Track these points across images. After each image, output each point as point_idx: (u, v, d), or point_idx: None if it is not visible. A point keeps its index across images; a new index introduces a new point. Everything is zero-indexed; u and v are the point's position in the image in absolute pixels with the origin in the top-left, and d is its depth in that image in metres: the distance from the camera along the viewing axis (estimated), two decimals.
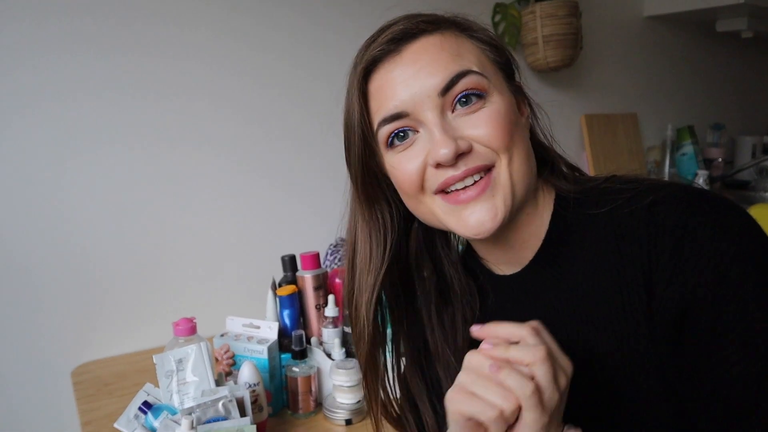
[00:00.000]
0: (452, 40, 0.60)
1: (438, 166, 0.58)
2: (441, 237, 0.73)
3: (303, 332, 1.05)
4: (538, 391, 0.49)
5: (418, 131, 0.60)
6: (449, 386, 0.55)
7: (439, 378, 0.72)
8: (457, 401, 0.53)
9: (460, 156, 0.57)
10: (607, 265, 0.58)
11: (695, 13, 2.11)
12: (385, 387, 0.74)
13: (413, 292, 0.72)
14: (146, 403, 0.89)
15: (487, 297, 0.71)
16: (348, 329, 1.10)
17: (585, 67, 1.99)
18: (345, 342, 1.10)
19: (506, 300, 0.69)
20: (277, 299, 1.10)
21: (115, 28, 1.25)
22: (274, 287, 1.13)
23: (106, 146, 1.26)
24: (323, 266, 1.32)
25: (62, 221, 1.23)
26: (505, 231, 0.62)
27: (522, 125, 0.63)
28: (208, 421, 0.83)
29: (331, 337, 1.09)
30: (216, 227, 1.40)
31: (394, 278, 0.69)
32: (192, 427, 0.78)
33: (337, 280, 1.15)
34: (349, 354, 1.09)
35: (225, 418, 0.84)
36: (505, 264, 0.68)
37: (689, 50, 2.43)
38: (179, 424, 0.80)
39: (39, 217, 1.21)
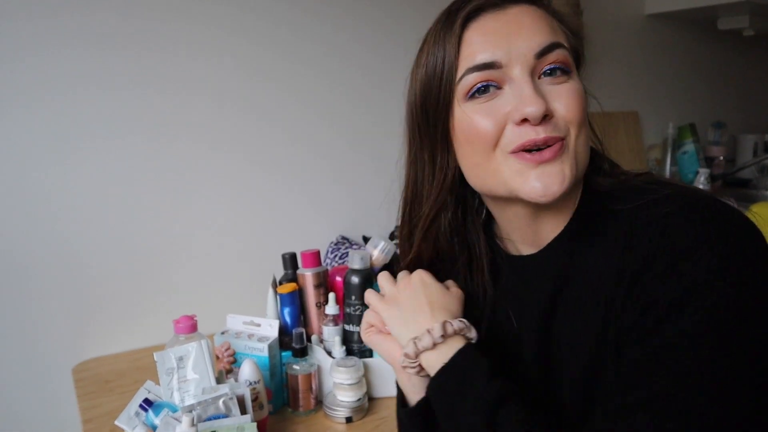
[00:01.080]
0: (548, 16, 0.63)
1: (522, 122, 0.59)
2: (472, 213, 0.75)
3: (303, 330, 1.05)
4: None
5: (502, 88, 0.61)
6: None
7: None
8: (361, 330, 0.76)
9: (543, 119, 0.59)
10: (611, 262, 0.59)
11: (697, 11, 2.11)
12: None
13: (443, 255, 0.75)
14: (147, 401, 0.89)
15: (500, 275, 0.73)
16: (349, 327, 1.10)
17: (586, 65, 1.99)
18: (345, 340, 1.10)
19: (518, 280, 0.71)
20: (278, 297, 1.10)
21: (116, 23, 1.24)
22: (274, 285, 1.13)
23: (107, 142, 1.26)
24: (324, 264, 1.32)
25: (63, 218, 1.23)
26: (552, 206, 0.63)
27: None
28: (209, 419, 0.83)
29: (331, 335, 1.09)
30: (217, 225, 1.40)
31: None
32: (192, 425, 0.78)
33: (338, 278, 1.15)
34: (349, 352, 1.09)
35: (226, 416, 0.84)
36: (525, 244, 0.70)
37: (690, 48, 2.42)
38: (180, 422, 0.80)
39: (40, 213, 1.21)
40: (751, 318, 0.51)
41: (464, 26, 0.63)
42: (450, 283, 0.73)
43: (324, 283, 1.14)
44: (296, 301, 1.11)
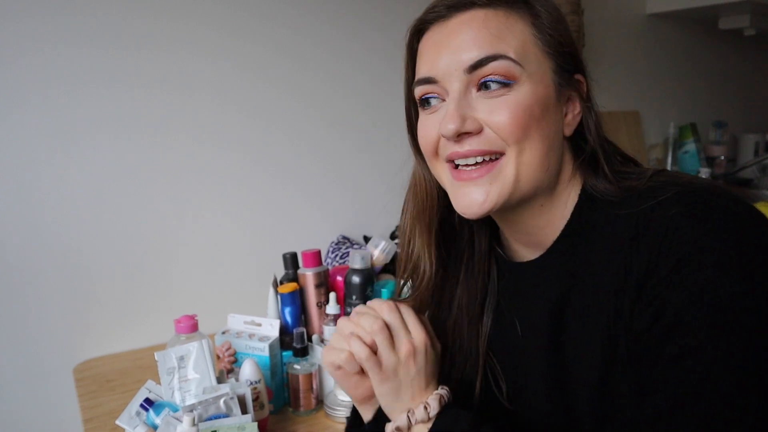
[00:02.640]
0: (500, 20, 0.59)
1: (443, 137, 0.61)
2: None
3: (304, 330, 1.05)
4: (373, 354, 0.64)
5: (444, 100, 0.61)
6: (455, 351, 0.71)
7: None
8: (324, 354, 0.68)
9: (465, 135, 0.59)
10: (616, 266, 0.57)
11: (698, 11, 2.10)
12: None
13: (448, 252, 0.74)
14: (148, 400, 0.89)
15: (501, 279, 0.73)
16: None
17: (587, 65, 1.99)
18: None
19: (522, 287, 0.70)
20: (279, 296, 1.10)
21: (117, 23, 1.24)
22: (275, 284, 1.13)
23: (108, 142, 1.26)
24: (325, 264, 1.32)
25: (63, 217, 1.23)
26: (517, 215, 0.64)
27: (551, 120, 0.61)
28: (210, 419, 0.83)
29: (332, 334, 1.09)
30: (218, 224, 1.40)
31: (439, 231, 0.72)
32: (193, 424, 0.78)
33: (339, 278, 1.15)
34: None
35: (226, 415, 0.84)
36: (526, 247, 0.69)
37: (692, 48, 2.42)
38: (181, 421, 0.80)
39: (40, 213, 1.21)
40: (764, 316, 0.49)
41: (418, 39, 0.65)
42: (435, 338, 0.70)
43: (325, 283, 1.14)
44: (297, 301, 1.11)
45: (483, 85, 0.59)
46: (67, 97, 1.22)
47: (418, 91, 0.63)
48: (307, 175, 1.51)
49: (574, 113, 0.64)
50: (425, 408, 0.64)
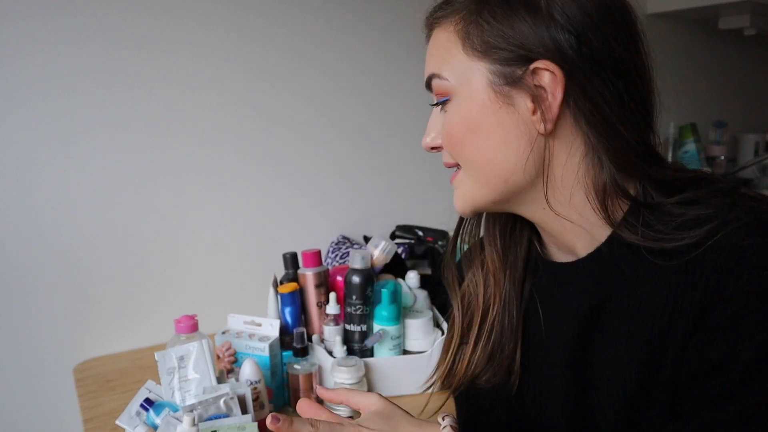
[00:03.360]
0: (443, 36, 0.60)
1: None
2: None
3: (304, 330, 1.05)
4: None
5: None
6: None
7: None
8: None
9: (437, 147, 0.64)
10: (665, 286, 0.52)
11: (698, 11, 2.10)
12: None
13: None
14: (148, 400, 0.89)
15: (534, 275, 0.70)
16: (350, 326, 1.10)
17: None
18: (346, 339, 1.10)
19: (554, 283, 0.66)
20: (279, 296, 1.10)
21: (117, 23, 1.24)
22: (275, 284, 1.13)
23: (109, 141, 1.26)
24: (325, 264, 1.32)
25: (63, 217, 1.23)
26: (530, 216, 0.64)
27: (496, 127, 0.56)
28: (210, 419, 0.83)
29: (332, 334, 1.09)
30: (218, 224, 1.40)
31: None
32: (193, 424, 0.78)
33: (339, 278, 1.15)
34: (350, 351, 1.09)
35: (226, 415, 0.84)
36: (559, 250, 0.66)
37: (692, 48, 2.42)
38: (181, 421, 0.80)
39: (40, 212, 1.21)
40: None
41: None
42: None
43: (325, 283, 1.13)
44: (297, 301, 1.11)
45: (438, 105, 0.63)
46: (67, 97, 1.22)
47: None
48: (308, 174, 1.51)
49: (544, 106, 0.55)
50: None
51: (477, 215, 0.71)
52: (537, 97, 0.55)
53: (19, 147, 1.19)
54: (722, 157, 2.35)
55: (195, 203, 1.37)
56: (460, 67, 0.58)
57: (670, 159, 2.25)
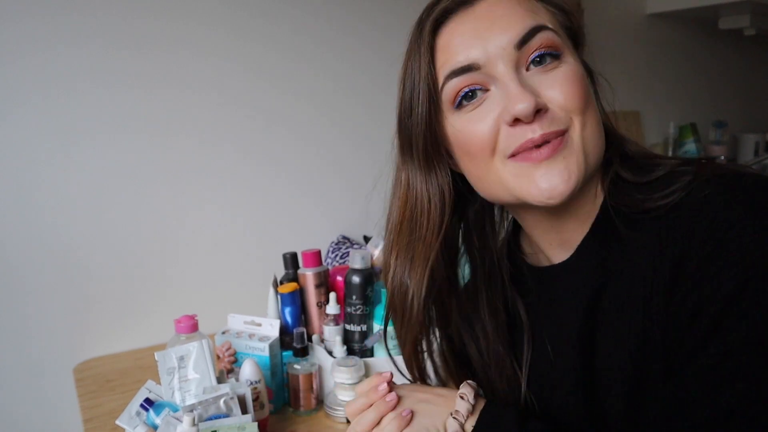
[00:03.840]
0: (526, 1, 0.58)
1: (515, 122, 0.55)
2: (490, 223, 0.71)
3: (304, 330, 1.05)
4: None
5: (488, 89, 0.57)
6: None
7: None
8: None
9: (537, 114, 0.54)
10: (649, 254, 0.54)
11: (698, 11, 2.10)
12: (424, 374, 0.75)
13: (455, 277, 0.71)
14: (148, 400, 0.89)
15: (529, 293, 0.69)
16: (350, 326, 1.10)
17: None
18: (346, 339, 1.10)
19: (549, 294, 0.66)
20: (279, 296, 1.10)
21: (117, 23, 1.24)
22: (275, 284, 1.13)
23: (108, 141, 1.26)
24: (325, 264, 1.32)
25: (63, 217, 1.23)
26: (567, 205, 0.59)
27: (592, 94, 0.59)
28: (210, 419, 0.83)
29: (332, 334, 1.09)
30: (218, 224, 1.40)
31: (442, 257, 0.66)
32: (193, 424, 0.78)
33: (339, 278, 1.15)
34: (350, 351, 1.09)
35: (226, 415, 0.84)
36: (554, 247, 0.65)
37: (692, 48, 2.42)
38: (181, 421, 0.80)
39: (40, 212, 1.21)
40: None
41: (435, 33, 0.59)
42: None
43: (325, 283, 1.13)
44: (297, 301, 1.11)
45: (533, 62, 0.56)
46: (67, 97, 1.22)
47: (455, 83, 0.57)
48: (308, 174, 1.51)
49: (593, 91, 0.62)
50: (461, 398, 0.63)
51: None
52: (591, 80, 0.62)
53: (19, 147, 1.19)
54: (722, 157, 2.35)
55: (195, 203, 1.37)
56: (562, 32, 0.59)
57: None
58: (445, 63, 0.58)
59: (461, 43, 0.57)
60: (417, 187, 0.64)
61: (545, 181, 0.54)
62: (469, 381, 0.65)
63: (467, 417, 0.62)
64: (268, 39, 1.42)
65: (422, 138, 0.62)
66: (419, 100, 0.60)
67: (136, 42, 1.27)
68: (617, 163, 0.60)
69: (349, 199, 1.58)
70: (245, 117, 1.41)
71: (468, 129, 0.58)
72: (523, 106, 0.53)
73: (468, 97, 0.57)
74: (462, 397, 0.63)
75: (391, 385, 0.68)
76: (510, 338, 0.70)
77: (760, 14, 2.13)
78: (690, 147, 2.30)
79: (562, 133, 0.55)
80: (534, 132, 0.54)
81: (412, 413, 0.64)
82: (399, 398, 0.66)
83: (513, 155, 0.56)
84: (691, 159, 0.59)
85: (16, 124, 1.18)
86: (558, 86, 0.55)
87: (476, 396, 0.64)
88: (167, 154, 1.33)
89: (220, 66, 1.37)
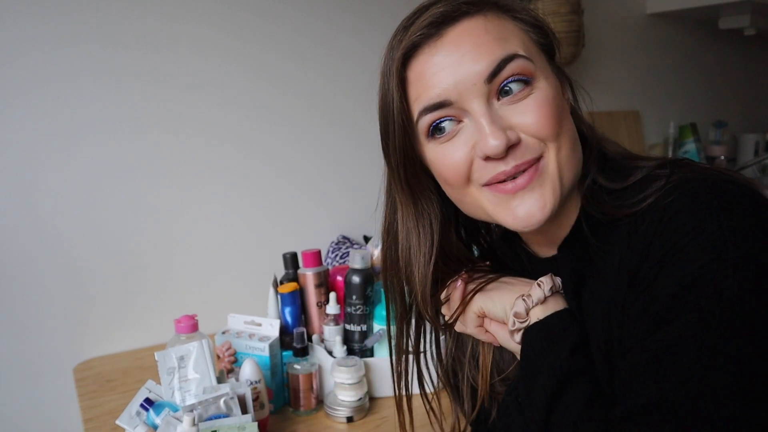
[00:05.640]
0: (495, 23, 0.57)
1: (487, 159, 0.56)
2: (483, 224, 0.73)
3: (304, 330, 1.05)
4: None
5: (462, 121, 0.58)
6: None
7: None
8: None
9: (510, 149, 0.55)
10: (616, 257, 0.56)
11: (698, 11, 2.10)
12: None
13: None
14: (148, 400, 0.89)
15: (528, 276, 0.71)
16: (350, 326, 1.10)
17: (587, 65, 1.99)
18: (346, 339, 1.10)
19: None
20: (279, 296, 1.10)
21: (117, 22, 1.24)
22: (275, 284, 1.13)
23: (108, 141, 1.26)
24: (325, 264, 1.32)
25: (63, 216, 1.23)
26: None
27: (567, 111, 0.60)
28: (210, 418, 0.83)
29: (332, 334, 1.09)
30: (218, 224, 1.40)
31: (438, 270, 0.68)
32: (193, 424, 0.78)
33: (339, 278, 1.15)
34: (350, 351, 1.09)
35: (227, 415, 0.84)
36: (542, 246, 0.68)
37: (692, 47, 2.42)
38: (181, 421, 0.80)
39: (40, 212, 1.21)
40: (758, 305, 0.46)
41: (405, 66, 0.59)
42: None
43: (325, 283, 1.13)
44: (297, 301, 1.11)
45: (502, 92, 0.56)
46: (67, 97, 1.22)
47: (428, 118, 0.58)
48: (308, 174, 1.51)
49: (567, 100, 0.63)
50: (539, 285, 0.62)
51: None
52: (566, 94, 0.63)
53: (19, 146, 1.19)
54: (722, 157, 2.35)
55: (195, 203, 1.37)
56: (534, 52, 0.59)
57: None
58: (418, 98, 0.58)
59: (431, 77, 0.57)
60: (402, 215, 0.67)
61: (522, 210, 0.57)
62: (551, 274, 0.64)
63: (535, 304, 0.62)
64: (268, 39, 1.42)
65: (402, 166, 0.63)
66: (395, 133, 0.61)
67: (136, 42, 1.27)
68: (594, 170, 0.61)
69: (349, 199, 1.58)
70: (245, 116, 1.41)
71: (442, 160, 0.59)
72: (495, 143, 0.54)
73: (440, 129, 0.58)
74: (539, 285, 0.63)
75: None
76: None
77: (760, 14, 2.13)
78: (690, 147, 2.30)
79: (537, 161, 0.56)
80: (507, 165, 0.56)
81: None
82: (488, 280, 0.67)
83: (487, 184, 0.58)
84: (670, 160, 0.59)
85: (15, 124, 1.18)
86: (530, 115, 0.55)
87: (554, 290, 0.63)
88: (167, 154, 1.33)
89: (220, 66, 1.37)
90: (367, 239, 1.56)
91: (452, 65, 0.56)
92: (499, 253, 0.74)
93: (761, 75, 2.76)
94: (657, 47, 2.29)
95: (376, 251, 1.15)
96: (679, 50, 2.37)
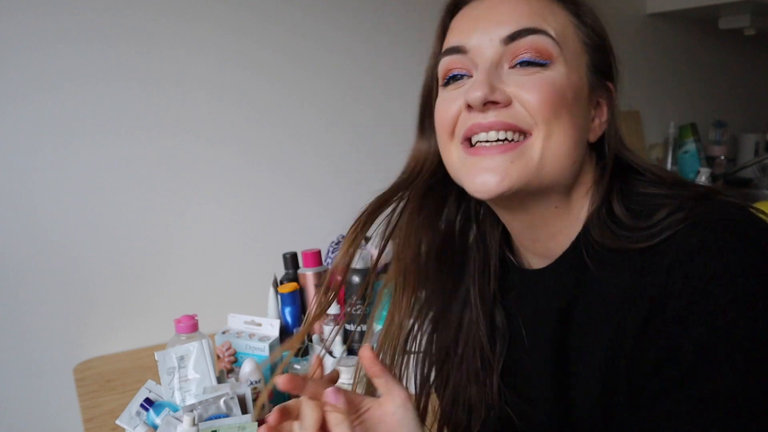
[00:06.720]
0: (543, 2, 0.58)
1: (469, 108, 0.56)
2: (490, 221, 0.71)
3: None
4: None
5: (471, 75, 0.58)
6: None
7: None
8: None
9: (492, 104, 0.54)
10: (624, 287, 0.54)
11: (698, 11, 2.10)
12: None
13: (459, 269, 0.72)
14: (148, 400, 0.89)
15: (510, 291, 0.70)
16: (350, 326, 1.10)
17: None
18: (346, 339, 1.10)
19: (529, 293, 0.67)
20: (279, 296, 1.10)
21: (117, 22, 1.25)
22: (275, 284, 1.13)
23: (108, 140, 1.26)
24: (324, 264, 1.32)
25: (63, 216, 1.23)
26: (530, 215, 0.60)
27: (581, 112, 0.58)
28: (210, 418, 0.83)
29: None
30: (218, 224, 1.40)
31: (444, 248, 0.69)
32: (193, 424, 0.78)
33: (338, 278, 1.15)
34: (350, 351, 1.09)
35: (227, 415, 0.84)
36: (536, 255, 0.66)
37: (692, 48, 2.42)
38: (181, 421, 0.80)
39: (40, 212, 1.21)
40: None
41: (451, 16, 0.62)
42: None
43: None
44: (297, 301, 1.11)
45: (517, 63, 0.56)
46: (66, 96, 1.22)
47: (445, 63, 0.59)
48: (308, 174, 1.51)
49: (601, 120, 0.61)
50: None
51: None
52: (600, 109, 0.61)
53: (18, 146, 1.19)
54: (722, 157, 2.35)
55: (195, 203, 1.37)
56: (570, 43, 0.58)
57: (670, 159, 2.26)
58: (447, 42, 0.61)
59: (461, 26, 0.60)
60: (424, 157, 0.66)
61: (478, 175, 0.56)
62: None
63: None
64: (268, 39, 1.42)
65: (421, 104, 0.66)
66: (430, 76, 0.64)
67: (136, 41, 1.27)
68: (617, 197, 0.58)
69: (349, 199, 1.57)
70: (245, 117, 1.41)
71: (442, 106, 0.60)
72: (476, 94, 0.54)
73: (454, 78, 0.59)
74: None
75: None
76: (489, 332, 0.71)
77: (760, 14, 2.13)
78: (690, 147, 2.29)
79: (521, 134, 0.55)
80: (485, 118, 0.55)
81: None
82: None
83: (465, 139, 0.57)
84: (692, 194, 0.55)
85: (15, 124, 1.18)
86: (528, 88, 0.55)
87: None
88: (167, 153, 1.33)
89: (221, 66, 1.37)
90: (367, 239, 1.56)
91: (481, 18, 0.58)
92: (484, 254, 0.72)
93: (761, 75, 2.76)
94: (657, 47, 2.29)
95: (375, 251, 1.15)
96: (678, 50, 2.37)
